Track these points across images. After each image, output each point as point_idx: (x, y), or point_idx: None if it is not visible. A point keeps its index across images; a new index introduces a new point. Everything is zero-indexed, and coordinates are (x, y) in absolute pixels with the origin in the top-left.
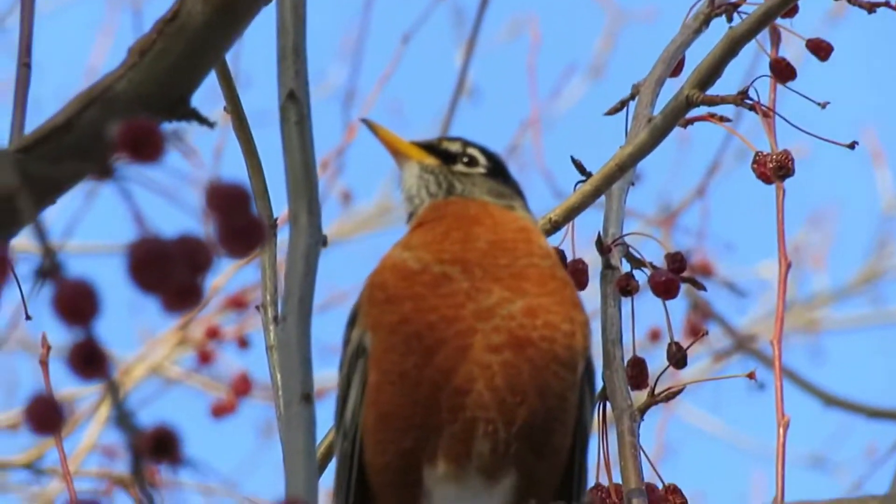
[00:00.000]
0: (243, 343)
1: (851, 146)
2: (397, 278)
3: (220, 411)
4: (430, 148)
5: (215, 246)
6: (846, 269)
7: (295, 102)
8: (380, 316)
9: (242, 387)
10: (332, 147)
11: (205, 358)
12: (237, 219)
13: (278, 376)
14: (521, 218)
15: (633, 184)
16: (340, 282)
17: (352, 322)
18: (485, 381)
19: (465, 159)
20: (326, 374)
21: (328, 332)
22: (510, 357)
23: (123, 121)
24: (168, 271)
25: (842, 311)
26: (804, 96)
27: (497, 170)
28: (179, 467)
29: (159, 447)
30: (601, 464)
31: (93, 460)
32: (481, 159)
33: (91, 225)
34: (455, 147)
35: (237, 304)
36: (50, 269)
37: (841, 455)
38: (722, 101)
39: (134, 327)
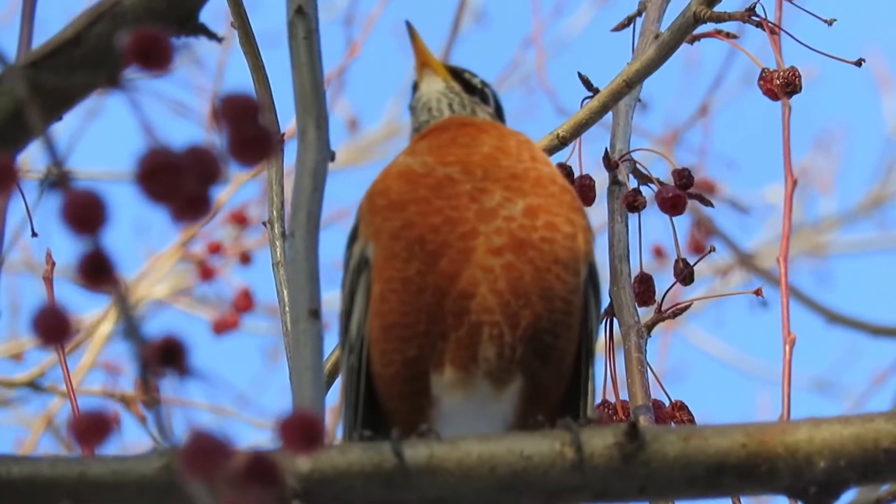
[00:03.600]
0: (245, 259)
1: (858, 63)
2: (402, 182)
3: (222, 327)
4: (455, 73)
5: (225, 156)
6: (853, 193)
7: (303, 17)
8: (381, 223)
9: (244, 303)
10: (334, 67)
11: (206, 274)
12: (248, 129)
13: (285, 293)
14: (525, 138)
15: (639, 100)
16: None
17: (352, 238)
18: (488, 284)
19: (482, 95)
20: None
21: (330, 250)
22: (512, 259)
23: (133, 30)
24: (178, 181)
25: (849, 235)
26: (811, 13)
27: (499, 116)
28: (187, 378)
29: (167, 357)
30: (608, 381)
31: (94, 378)
32: (490, 101)
33: (82, 153)
34: (476, 81)
35: (238, 220)
36: (59, 179)
37: (844, 379)
38: (729, 17)
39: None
